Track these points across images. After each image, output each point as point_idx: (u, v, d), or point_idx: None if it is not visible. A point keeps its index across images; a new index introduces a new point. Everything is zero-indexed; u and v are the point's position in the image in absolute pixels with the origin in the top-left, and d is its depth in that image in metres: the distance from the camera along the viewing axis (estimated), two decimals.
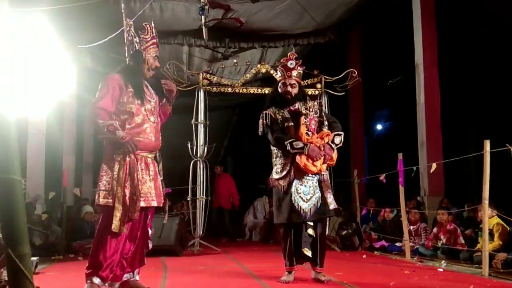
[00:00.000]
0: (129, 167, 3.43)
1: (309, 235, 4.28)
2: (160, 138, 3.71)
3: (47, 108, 3.56)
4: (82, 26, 8.37)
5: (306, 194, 4.25)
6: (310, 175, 4.28)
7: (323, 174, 4.35)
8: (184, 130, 7.87)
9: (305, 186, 4.27)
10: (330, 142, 4.32)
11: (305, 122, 4.33)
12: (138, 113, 3.53)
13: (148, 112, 3.59)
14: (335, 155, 4.37)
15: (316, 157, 4.22)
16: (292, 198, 4.22)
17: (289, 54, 4.62)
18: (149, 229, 3.70)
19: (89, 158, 12.07)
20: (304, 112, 4.39)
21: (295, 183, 4.26)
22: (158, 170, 3.69)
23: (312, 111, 4.42)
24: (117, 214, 3.37)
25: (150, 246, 3.73)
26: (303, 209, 4.21)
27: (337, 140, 4.37)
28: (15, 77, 2.86)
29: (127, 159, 3.44)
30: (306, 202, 4.23)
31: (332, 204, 4.31)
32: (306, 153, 4.21)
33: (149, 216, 3.68)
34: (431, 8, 8.20)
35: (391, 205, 7.60)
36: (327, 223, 4.59)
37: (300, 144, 4.22)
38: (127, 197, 3.39)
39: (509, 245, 5.51)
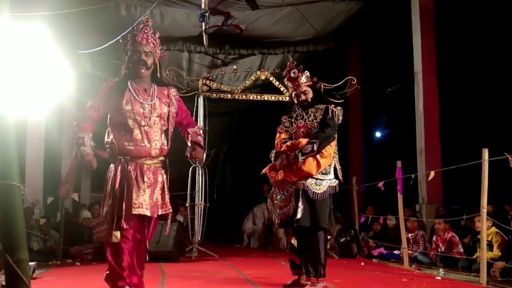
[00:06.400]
0: (120, 175, 3.29)
1: (289, 242, 4.43)
2: (161, 143, 3.43)
3: (46, 112, 3.52)
4: (83, 31, 8.41)
5: (280, 201, 4.35)
6: (289, 183, 4.31)
7: (300, 183, 4.22)
8: None
9: (281, 193, 4.36)
10: (297, 151, 4.18)
11: (287, 129, 4.45)
12: (128, 118, 3.34)
13: (140, 116, 3.35)
14: (304, 165, 4.19)
15: (279, 166, 4.28)
16: (268, 205, 4.45)
17: (288, 64, 4.62)
18: (148, 241, 3.44)
19: None
20: (293, 119, 4.47)
21: (273, 190, 4.45)
22: (165, 179, 3.46)
23: (309, 117, 4.40)
24: (110, 224, 3.26)
25: (147, 258, 3.52)
26: (276, 216, 4.34)
27: (308, 148, 4.17)
28: (14, 82, 2.86)
29: (119, 166, 3.31)
30: (279, 209, 4.33)
31: (299, 214, 4.15)
32: (273, 161, 4.39)
33: (149, 226, 3.41)
34: (430, 16, 8.23)
35: (389, 213, 7.60)
36: (317, 233, 4.19)
37: (274, 153, 4.42)
38: (116, 205, 3.25)
39: (507, 253, 5.51)
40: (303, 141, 4.26)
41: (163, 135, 3.46)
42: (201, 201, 7.57)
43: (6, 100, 2.61)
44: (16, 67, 2.97)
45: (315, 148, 4.16)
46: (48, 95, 7.14)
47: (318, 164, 4.23)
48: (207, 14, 7.31)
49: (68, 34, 8.06)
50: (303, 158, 4.15)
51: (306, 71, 4.54)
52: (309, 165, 4.19)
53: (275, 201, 4.37)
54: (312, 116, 4.40)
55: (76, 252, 7.37)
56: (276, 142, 4.47)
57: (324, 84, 7.86)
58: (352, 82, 7.70)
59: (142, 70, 3.42)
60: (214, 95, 7.93)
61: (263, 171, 4.45)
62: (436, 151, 7.94)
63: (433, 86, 8.09)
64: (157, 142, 3.40)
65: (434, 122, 8.02)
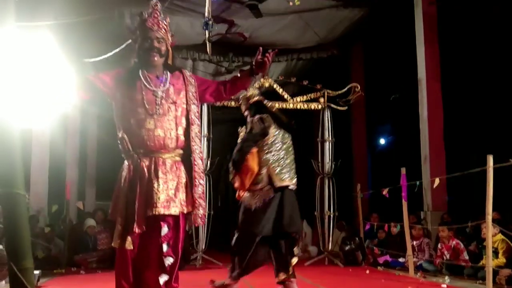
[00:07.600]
0: (132, 173, 3.00)
1: None
2: (177, 133, 3.09)
3: (51, 121, 3.45)
4: (88, 40, 8.46)
5: None
6: None
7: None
8: None
9: None
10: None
11: None
12: (139, 107, 3.04)
13: (151, 104, 3.04)
14: (236, 183, 4.48)
15: None
16: None
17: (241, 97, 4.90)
18: (164, 244, 2.97)
19: (92, 171, 12.09)
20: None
21: None
22: (187, 175, 3.12)
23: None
24: (119, 227, 2.92)
25: (168, 262, 2.97)
26: None
27: (229, 167, 4.56)
28: (19, 90, 2.88)
29: (130, 163, 3.02)
30: None
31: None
32: None
33: (165, 226, 2.98)
34: (434, 23, 8.23)
35: (394, 220, 7.57)
36: (255, 239, 4.41)
37: None
38: (126, 207, 2.94)
39: None
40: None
41: (180, 127, 3.12)
42: (206, 208, 7.56)
43: (11, 108, 2.63)
44: (22, 76, 2.98)
45: (233, 159, 4.45)
46: (53, 104, 7.17)
47: (241, 181, 4.43)
48: (210, 22, 7.34)
49: (73, 43, 8.11)
50: (231, 176, 4.47)
51: (243, 92, 4.75)
52: (238, 182, 4.47)
53: None
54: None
55: (81, 260, 7.36)
56: None
57: (328, 91, 7.88)
58: (356, 89, 7.72)
59: (156, 58, 3.16)
60: (218, 102, 7.94)
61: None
62: (441, 158, 7.91)
63: (437, 92, 8.08)
64: (172, 131, 3.07)
65: (439, 129, 8.00)
